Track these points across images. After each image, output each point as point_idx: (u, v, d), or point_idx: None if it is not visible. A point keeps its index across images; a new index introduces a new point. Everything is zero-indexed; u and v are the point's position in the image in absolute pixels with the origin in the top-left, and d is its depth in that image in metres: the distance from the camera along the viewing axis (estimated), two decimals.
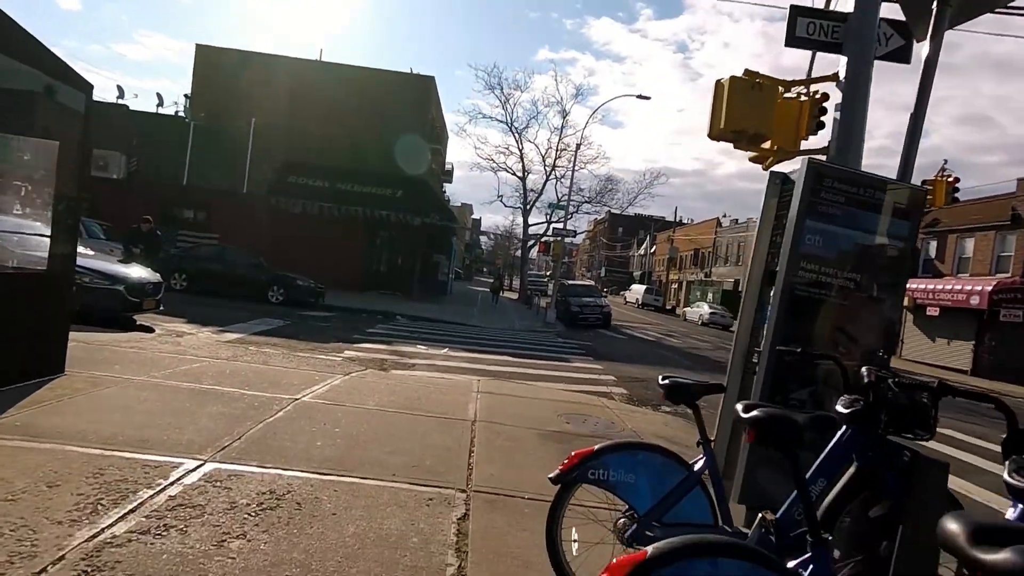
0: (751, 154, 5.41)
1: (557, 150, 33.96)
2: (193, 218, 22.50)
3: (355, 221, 22.17)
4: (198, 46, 27.25)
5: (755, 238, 3.94)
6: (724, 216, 57.55)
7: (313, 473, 3.50)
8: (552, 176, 34.52)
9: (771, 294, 3.59)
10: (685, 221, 68.07)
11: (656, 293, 51.25)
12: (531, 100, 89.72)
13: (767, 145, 5.24)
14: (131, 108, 23.27)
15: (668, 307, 52.06)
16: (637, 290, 53.49)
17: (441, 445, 4.40)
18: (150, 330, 8.66)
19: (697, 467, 2.55)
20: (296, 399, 5.18)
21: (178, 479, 3.15)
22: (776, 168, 4.96)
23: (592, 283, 28.12)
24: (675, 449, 5.45)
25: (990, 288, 20.73)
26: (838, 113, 4.66)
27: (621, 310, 38.71)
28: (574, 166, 22.96)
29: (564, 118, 33.79)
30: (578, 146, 22.14)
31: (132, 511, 2.72)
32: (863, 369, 2.43)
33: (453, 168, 47.55)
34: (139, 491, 2.93)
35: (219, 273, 16.01)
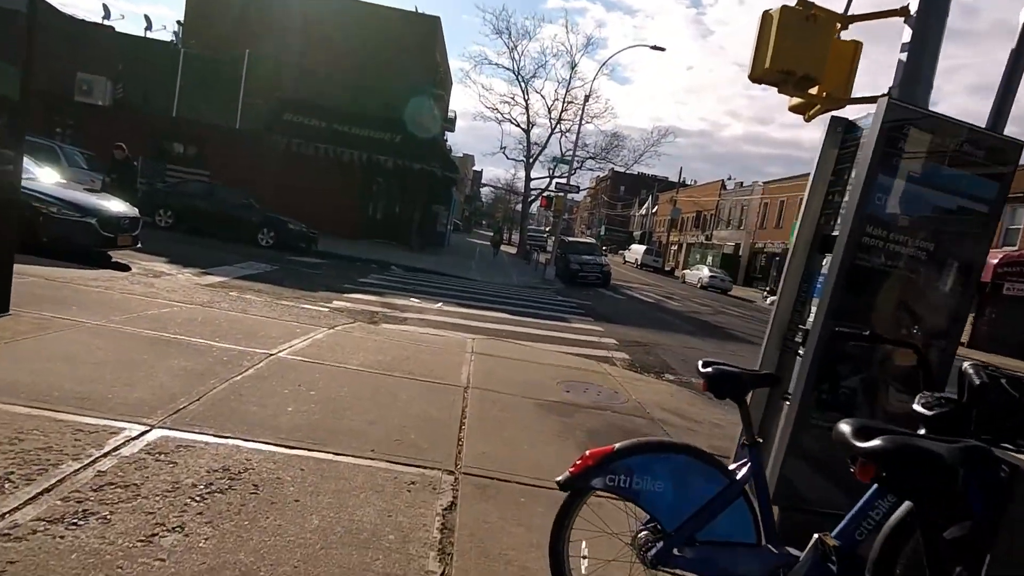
0: (795, 101, 4.75)
1: (564, 103, 32.65)
2: (183, 152, 21.55)
3: (352, 165, 21.30)
4: None
5: (806, 196, 3.36)
6: (729, 179, 56.44)
7: (278, 446, 3.02)
8: (557, 130, 33.35)
9: (823, 263, 3.05)
10: (688, 182, 66.81)
11: (656, 254, 50.67)
12: (539, 50, 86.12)
13: (815, 91, 4.58)
14: (117, 31, 21.86)
15: (667, 269, 51.56)
16: (637, 250, 52.85)
17: (429, 415, 3.94)
18: (125, 268, 8.10)
19: (740, 475, 2.06)
20: (271, 354, 4.69)
21: (114, 449, 2.66)
22: (837, 113, 4.30)
23: (593, 241, 27.50)
24: (682, 424, 5.03)
25: (995, 261, 20.26)
26: (903, 55, 3.99)
27: (620, 270, 38.20)
28: (581, 119, 21.97)
29: (573, 69, 32.32)
30: (586, 98, 21.06)
31: (47, 491, 2.24)
32: (967, 366, 1.91)
33: (456, 117, 46.02)
34: (62, 464, 2.44)
35: (207, 212, 15.31)
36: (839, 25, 4.54)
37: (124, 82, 21.18)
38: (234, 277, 9.53)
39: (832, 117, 3.37)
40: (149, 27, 22.56)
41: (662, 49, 20.14)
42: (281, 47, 22.71)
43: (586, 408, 4.81)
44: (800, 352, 2.99)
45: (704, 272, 36.09)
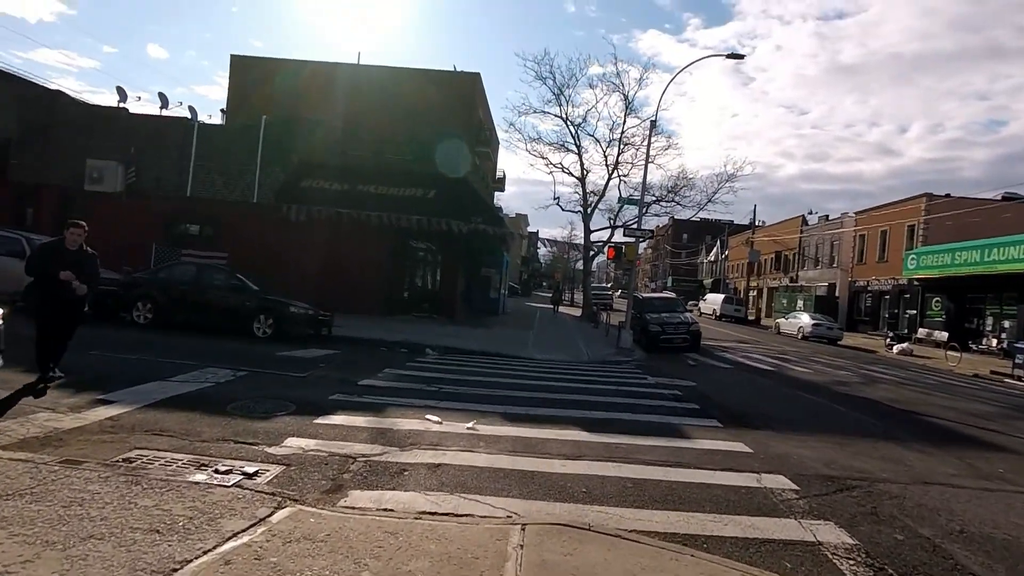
0: None
1: (620, 144, 29.22)
2: (199, 233, 19.26)
3: (382, 229, 18.28)
4: (233, 57, 24.82)
5: None
6: (810, 212, 50.71)
7: None
8: (615, 174, 29.78)
9: None
10: (758, 223, 61.17)
11: (737, 302, 45.01)
12: (588, 93, 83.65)
13: None
14: (131, 112, 20.38)
15: (750, 318, 45.65)
16: (714, 300, 47.32)
17: None
18: None
19: None
20: None
21: None
22: None
23: (672, 295, 23.12)
24: None
25: None
26: None
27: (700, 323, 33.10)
28: (648, 148, 18.10)
29: (628, 104, 28.95)
30: (653, 123, 17.32)
31: None
32: None
33: (504, 176, 43.57)
34: None
35: (192, 300, 12.29)
36: None
37: (136, 165, 19.38)
38: (144, 406, 5.98)
39: None
40: (165, 105, 21.08)
41: (740, 57, 16.39)
42: (315, 114, 20.73)
43: None
44: None
45: (805, 320, 30.51)
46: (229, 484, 3.94)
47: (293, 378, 8.24)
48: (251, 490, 3.87)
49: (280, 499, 3.79)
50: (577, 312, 35.50)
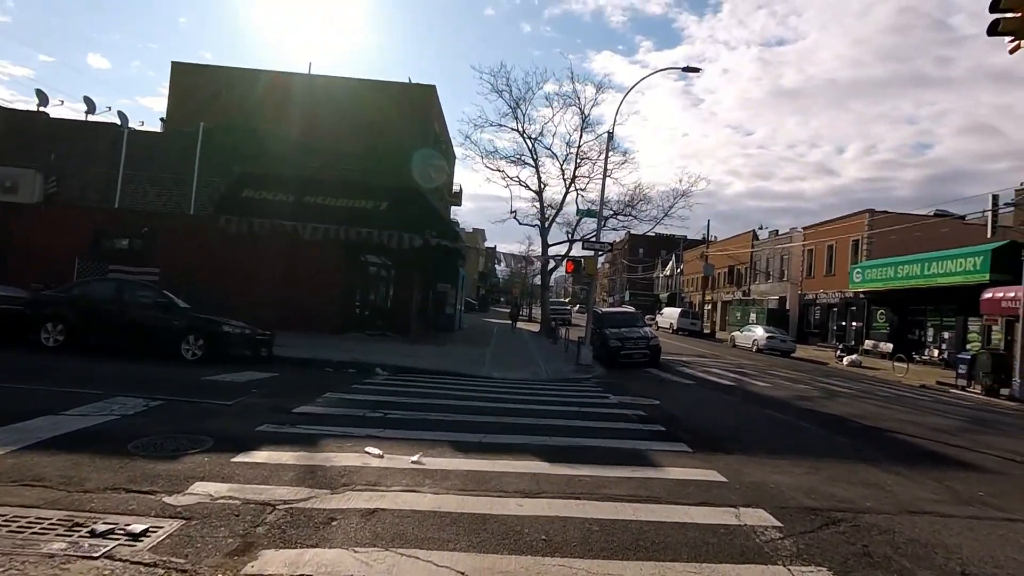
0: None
1: (577, 157, 29.15)
2: (128, 247, 17.83)
3: (331, 244, 17.34)
4: (174, 64, 23.31)
5: None
6: (760, 228, 52.09)
7: None
8: (572, 187, 29.65)
9: None
10: (710, 239, 62.60)
11: (693, 316, 45.53)
12: (545, 106, 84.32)
13: None
14: (52, 117, 18.82)
15: (706, 331, 46.26)
16: (670, 314, 47.80)
17: None
18: None
19: None
20: None
21: None
22: None
23: (632, 309, 22.91)
24: None
25: None
26: None
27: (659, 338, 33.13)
28: (606, 161, 17.88)
29: (584, 118, 28.95)
30: (610, 135, 17.05)
31: None
32: None
33: (461, 191, 42.97)
34: None
35: (111, 320, 11.10)
36: None
37: (58, 174, 17.85)
38: (23, 447, 5.02)
39: None
40: (92, 111, 19.58)
41: (697, 70, 16.40)
42: (262, 125, 19.63)
43: None
44: None
45: (759, 333, 30.92)
46: (97, 555, 3.11)
47: (217, 407, 7.31)
48: (125, 561, 3.07)
49: (164, 572, 3.00)
50: (535, 327, 35.05)
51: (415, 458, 5.51)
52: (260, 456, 5.33)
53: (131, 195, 18.04)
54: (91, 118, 19.62)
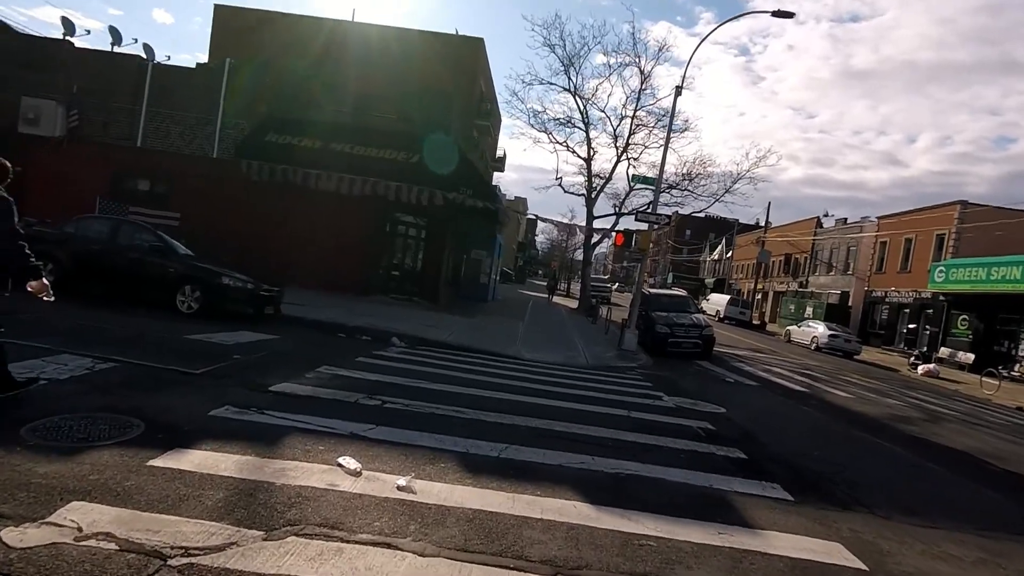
0: None
1: (633, 121, 26.74)
2: (149, 190, 16.81)
3: (361, 198, 15.86)
4: (216, 6, 22.03)
5: None
6: (826, 215, 48.21)
7: None
8: (624, 156, 27.34)
9: None
10: (762, 224, 58.84)
11: (743, 305, 42.65)
12: (601, 63, 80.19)
13: None
14: (78, 46, 17.77)
15: (755, 322, 43.40)
16: (717, 300, 44.97)
17: None
18: None
19: None
20: None
21: None
22: None
23: (684, 293, 20.69)
24: None
25: None
26: None
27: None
28: (672, 119, 15.62)
29: (643, 81, 26.42)
30: (678, 89, 14.74)
31: None
32: None
33: (505, 155, 41.00)
34: None
35: (105, 263, 9.90)
36: None
37: (80, 107, 16.85)
38: None
39: None
40: (118, 42, 18.40)
41: (790, 15, 13.88)
42: (293, 65, 18.18)
43: None
44: None
45: (820, 329, 28.27)
46: None
47: (179, 376, 5.89)
48: None
49: None
50: (572, 304, 33.21)
51: (404, 481, 3.90)
52: (192, 459, 3.83)
53: (153, 133, 16.95)
54: (116, 49, 18.47)
